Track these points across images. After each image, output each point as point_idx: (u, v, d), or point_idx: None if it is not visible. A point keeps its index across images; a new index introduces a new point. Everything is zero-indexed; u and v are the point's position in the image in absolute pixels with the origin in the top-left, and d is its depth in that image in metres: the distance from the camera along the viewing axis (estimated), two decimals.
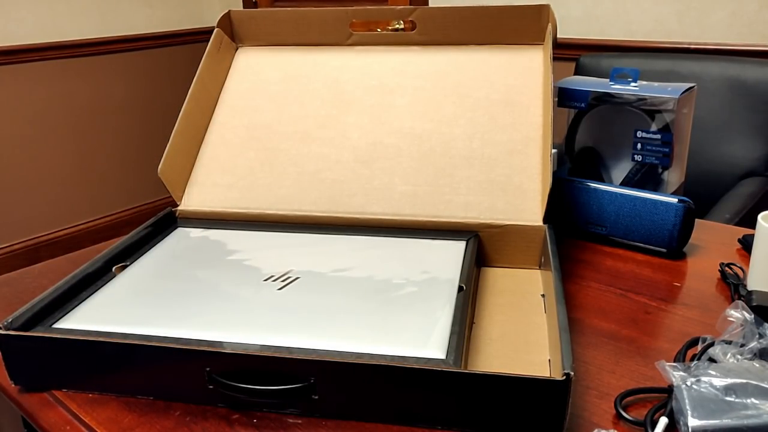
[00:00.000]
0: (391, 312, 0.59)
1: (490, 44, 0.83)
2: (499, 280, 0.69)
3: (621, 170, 0.87)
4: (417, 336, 0.55)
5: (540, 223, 0.69)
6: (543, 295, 0.65)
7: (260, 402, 0.51)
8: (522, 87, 0.79)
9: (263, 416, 0.51)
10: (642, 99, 0.81)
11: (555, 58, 0.78)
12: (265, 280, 0.64)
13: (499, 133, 0.76)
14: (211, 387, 0.50)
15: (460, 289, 0.59)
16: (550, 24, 0.79)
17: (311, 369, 0.48)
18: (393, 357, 0.50)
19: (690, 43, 1.72)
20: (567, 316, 0.51)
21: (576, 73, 1.65)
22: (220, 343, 0.52)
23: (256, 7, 2.79)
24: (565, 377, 0.44)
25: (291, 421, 0.50)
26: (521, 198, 0.71)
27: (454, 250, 0.68)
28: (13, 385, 0.55)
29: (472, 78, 0.81)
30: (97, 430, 0.50)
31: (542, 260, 0.69)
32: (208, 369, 0.50)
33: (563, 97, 0.87)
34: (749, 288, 0.66)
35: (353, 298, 0.61)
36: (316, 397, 0.49)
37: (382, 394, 0.49)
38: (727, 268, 0.71)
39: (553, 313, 0.53)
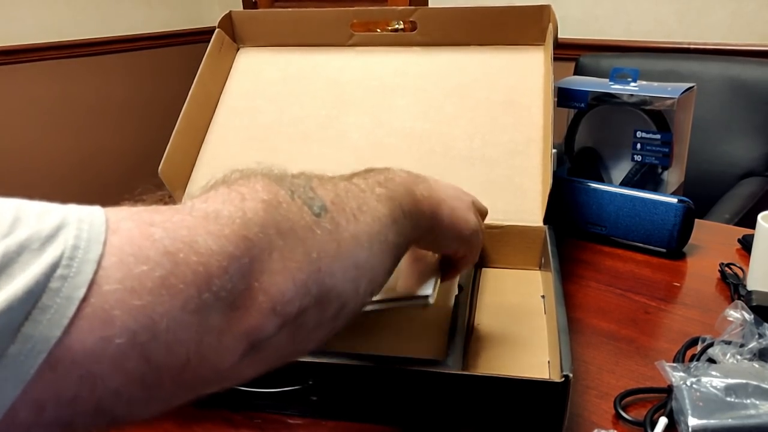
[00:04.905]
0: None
1: (491, 45, 0.83)
2: (500, 280, 0.69)
3: (621, 170, 0.87)
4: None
5: (540, 223, 0.69)
6: (543, 296, 0.65)
7: (260, 403, 0.51)
8: (523, 87, 0.79)
9: (263, 416, 0.51)
10: (642, 99, 0.81)
11: (555, 58, 0.78)
12: None
13: (500, 133, 0.76)
14: None
15: (459, 289, 0.59)
16: (551, 24, 0.79)
17: (309, 371, 0.48)
18: (392, 359, 0.49)
19: (690, 43, 1.72)
20: (567, 317, 0.51)
21: (576, 73, 1.65)
22: None
23: (256, 8, 2.79)
24: (564, 379, 0.44)
25: (291, 421, 0.50)
26: (521, 198, 0.71)
27: None
28: None
29: (472, 78, 0.81)
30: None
31: (542, 261, 0.69)
32: None
33: (563, 97, 0.87)
34: (749, 288, 0.66)
35: None
36: (315, 399, 0.49)
37: (382, 396, 0.49)
38: (726, 268, 0.71)
39: (553, 315, 0.53)
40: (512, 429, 0.47)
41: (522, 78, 0.79)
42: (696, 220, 0.76)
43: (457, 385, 0.46)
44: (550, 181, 0.69)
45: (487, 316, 0.62)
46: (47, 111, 2.40)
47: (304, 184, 0.36)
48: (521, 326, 0.59)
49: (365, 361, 0.49)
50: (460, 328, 0.53)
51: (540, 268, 0.70)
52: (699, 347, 0.55)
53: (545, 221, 0.69)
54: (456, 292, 0.59)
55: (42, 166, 2.42)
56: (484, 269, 0.71)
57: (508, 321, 0.60)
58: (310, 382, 0.48)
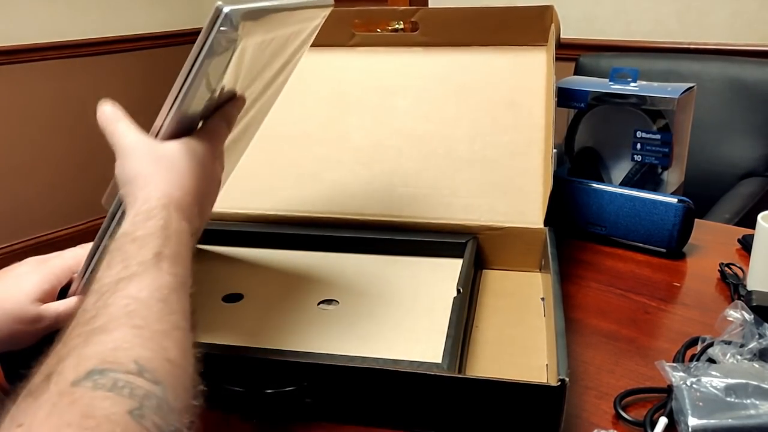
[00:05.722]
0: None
1: (493, 45, 0.83)
2: (500, 282, 0.69)
3: (621, 170, 0.87)
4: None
5: (540, 225, 0.69)
6: (543, 299, 0.65)
7: (254, 405, 0.51)
8: (524, 88, 0.79)
9: (257, 418, 0.51)
10: (642, 99, 0.81)
11: (555, 59, 0.78)
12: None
13: (501, 134, 0.76)
14: (205, 389, 0.50)
15: (457, 291, 0.59)
16: (553, 25, 0.79)
17: (304, 372, 0.48)
18: (386, 360, 0.49)
19: (690, 43, 1.72)
20: (565, 319, 0.51)
21: (576, 73, 1.65)
22: (213, 345, 0.52)
23: None
24: (560, 383, 0.43)
25: (285, 424, 0.50)
26: (522, 200, 0.71)
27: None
28: (11, 386, 0.55)
29: (474, 79, 0.81)
30: None
31: (543, 263, 0.69)
32: (201, 371, 0.49)
33: (563, 97, 0.87)
34: (749, 288, 0.66)
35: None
36: (310, 401, 0.49)
37: (378, 398, 0.48)
38: (726, 268, 0.71)
39: (551, 318, 0.53)
40: None
41: (524, 79, 0.79)
42: (696, 220, 0.76)
43: (452, 388, 0.46)
44: (550, 182, 0.69)
45: (486, 317, 0.62)
46: (47, 111, 2.40)
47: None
48: (520, 328, 0.59)
49: (361, 363, 0.48)
50: (457, 331, 0.53)
51: (540, 270, 0.70)
52: (699, 347, 0.55)
53: (546, 223, 0.69)
54: (454, 294, 0.59)
55: (42, 166, 2.42)
56: (484, 271, 0.71)
57: (508, 323, 0.60)
58: (305, 384, 0.48)
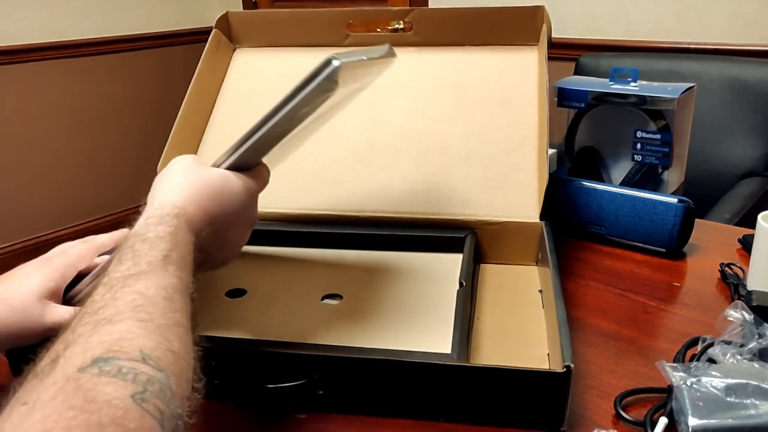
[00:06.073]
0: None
1: (486, 45, 0.83)
2: (498, 276, 0.69)
3: (621, 170, 0.87)
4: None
5: (537, 219, 0.69)
6: (540, 291, 0.65)
7: (266, 398, 0.51)
8: (518, 87, 0.79)
9: (270, 411, 0.51)
10: (642, 99, 0.81)
11: (554, 58, 0.78)
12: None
13: (496, 131, 0.76)
14: (216, 382, 0.50)
15: (460, 284, 0.60)
16: (544, 25, 0.79)
17: (315, 365, 0.49)
18: (397, 352, 0.50)
19: (690, 43, 1.72)
20: (566, 311, 0.52)
21: (576, 73, 1.65)
22: (224, 339, 0.53)
23: (257, 8, 2.79)
24: (565, 369, 0.44)
25: (297, 416, 0.50)
26: (518, 195, 0.71)
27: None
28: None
29: (468, 78, 0.81)
30: None
31: (539, 256, 0.69)
32: (213, 363, 0.49)
33: (563, 97, 0.87)
34: (749, 288, 0.66)
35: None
36: (321, 393, 0.49)
37: (387, 388, 0.49)
38: (727, 268, 0.70)
39: (551, 309, 0.53)
40: (515, 421, 0.48)
41: (517, 77, 0.79)
42: (696, 220, 0.75)
43: (461, 377, 0.47)
44: (546, 177, 0.69)
45: (486, 310, 0.62)
46: (47, 111, 2.40)
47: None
48: (520, 320, 0.60)
49: (372, 355, 0.49)
50: (463, 322, 0.53)
51: (537, 264, 0.70)
52: (699, 347, 0.55)
53: (542, 217, 0.69)
54: (455, 288, 0.59)
55: (42, 165, 2.41)
56: (482, 265, 0.71)
57: (507, 315, 0.61)
58: (316, 376, 0.49)
